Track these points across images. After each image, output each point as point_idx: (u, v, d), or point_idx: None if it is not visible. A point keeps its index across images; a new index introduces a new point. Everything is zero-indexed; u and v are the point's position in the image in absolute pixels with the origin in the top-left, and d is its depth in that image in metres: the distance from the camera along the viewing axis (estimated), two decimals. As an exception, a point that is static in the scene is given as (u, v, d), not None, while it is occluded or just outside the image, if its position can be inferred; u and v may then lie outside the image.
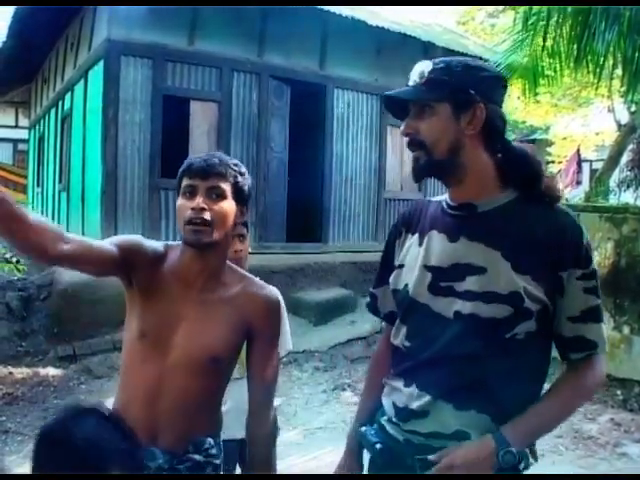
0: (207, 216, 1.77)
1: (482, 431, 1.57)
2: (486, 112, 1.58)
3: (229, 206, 1.83)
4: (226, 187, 1.82)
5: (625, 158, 13.55)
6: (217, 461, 1.90)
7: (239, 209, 1.87)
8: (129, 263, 1.83)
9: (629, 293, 5.84)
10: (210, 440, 1.89)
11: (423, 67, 1.64)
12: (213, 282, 1.89)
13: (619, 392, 5.96)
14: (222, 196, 1.81)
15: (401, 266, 1.76)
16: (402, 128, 1.67)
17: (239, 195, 1.86)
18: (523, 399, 1.59)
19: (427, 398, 1.61)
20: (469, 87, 1.58)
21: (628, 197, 13.34)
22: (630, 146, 13.24)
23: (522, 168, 1.63)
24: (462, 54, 10.43)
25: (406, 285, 1.71)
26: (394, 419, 1.70)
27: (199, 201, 1.77)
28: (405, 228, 1.80)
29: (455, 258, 1.62)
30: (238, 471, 2.81)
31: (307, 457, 4.66)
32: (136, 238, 1.90)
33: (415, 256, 1.71)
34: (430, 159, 1.61)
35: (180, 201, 1.83)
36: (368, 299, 1.94)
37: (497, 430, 1.55)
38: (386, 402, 1.76)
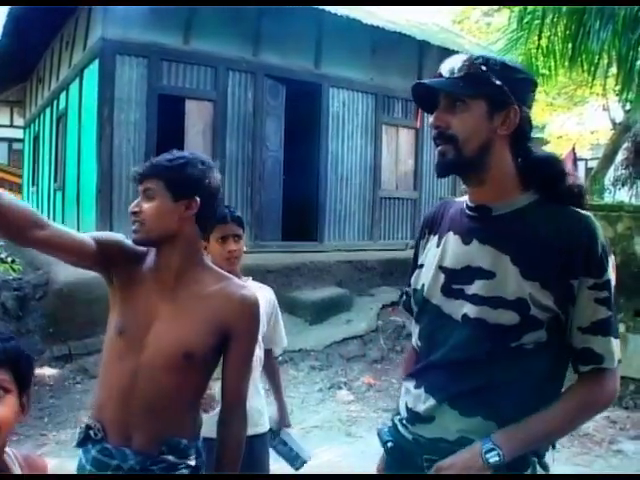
0: (139, 217, 1.85)
1: None
2: (520, 114, 1.56)
3: (159, 204, 1.84)
4: (156, 187, 1.84)
5: (620, 157, 13.60)
6: (193, 462, 1.88)
7: (183, 204, 1.86)
8: (108, 259, 1.88)
9: (624, 291, 5.84)
10: (185, 441, 1.87)
11: (462, 60, 1.59)
12: (186, 279, 1.90)
13: (614, 390, 5.98)
14: (151, 197, 1.85)
15: (421, 266, 1.76)
16: (431, 120, 1.62)
17: (177, 189, 1.85)
18: (532, 409, 1.55)
19: (432, 402, 1.61)
20: (506, 87, 1.55)
21: (623, 195, 13.39)
22: (625, 144, 13.28)
23: (543, 169, 1.60)
24: (457, 53, 10.44)
25: (423, 285, 1.71)
26: (404, 420, 1.71)
27: (132, 204, 1.88)
28: (428, 229, 1.80)
29: (467, 261, 1.61)
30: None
31: (303, 456, 4.65)
32: (117, 236, 1.96)
33: (433, 257, 1.70)
34: (459, 155, 1.57)
35: None
36: (404, 297, 1.92)
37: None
38: (400, 402, 1.76)
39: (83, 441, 1.87)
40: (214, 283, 1.92)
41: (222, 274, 1.99)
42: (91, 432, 1.84)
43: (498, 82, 1.54)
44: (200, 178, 1.88)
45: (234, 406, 1.96)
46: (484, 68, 1.56)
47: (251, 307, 1.93)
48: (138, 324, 1.86)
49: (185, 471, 1.86)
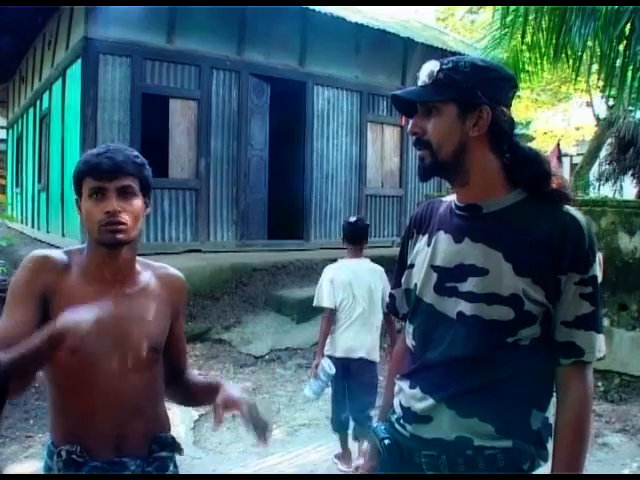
0: (123, 218, 1.72)
1: (485, 439, 1.57)
2: (492, 114, 1.56)
3: (140, 203, 1.79)
4: (135, 184, 1.77)
5: (604, 152, 13.68)
6: (178, 454, 1.92)
7: (144, 202, 1.82)
8: (46, 301, 1.72)
9: (608, 286, 5.88)
10: (170, 434, 1.89)
11: (431, 67, 1.61)
12: (129, 275, 1.83)
13: (600, 384, 6.00)
14: (133, 194, 1.76)
15: (412, 266, 1.77)
16: (409, 127, 1.66)
17: (146, 188, 1.82)
18: (528, 408, 1.59)
19: (430, 402, 1.62)
20: (476, 88, 1.56)
21: (607, 190, 13.48)
22: (608, 140, 13.37)
23: (529, 168, 1.60)
24: (442, 50, 10.47)
25: (415, 285, 1.72)
26: (401, 419, 1.71)
27: (114, 204, 1.72)
28: (416, 229, 1.81)
29: (459, 259, 1.62)
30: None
31: (291, 454, 4.65)
32: (35, 266, 1.78)
33: (424, 256, 1.71)
34: (435, 160, 1.60)
35: (88, 204, 1.77)
36: (388, 300, 1.94)
37: (499, 438, 1.56)
38: (395, 401, 1.77)
39: (68, 468, 1.75)
40: (145, 271, 1.89)
41: (144, 260, 1.93)
42: (74, 456, 1.73)
43: (466, 85, 1.56)
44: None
45: (188, 371, 2.08)
46: (452, 72, 1.58)
47: (184, 282, 2.00)
48: (95, 334, 1.63)
49: (172, 464, 1.88)
